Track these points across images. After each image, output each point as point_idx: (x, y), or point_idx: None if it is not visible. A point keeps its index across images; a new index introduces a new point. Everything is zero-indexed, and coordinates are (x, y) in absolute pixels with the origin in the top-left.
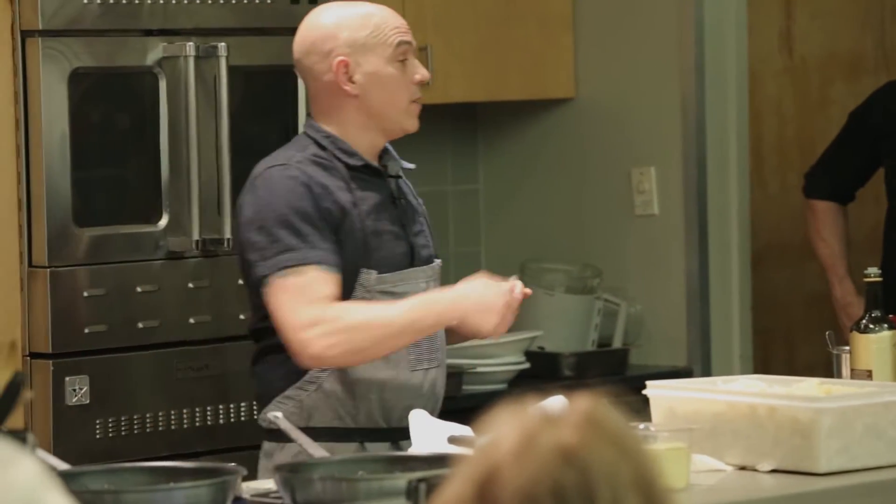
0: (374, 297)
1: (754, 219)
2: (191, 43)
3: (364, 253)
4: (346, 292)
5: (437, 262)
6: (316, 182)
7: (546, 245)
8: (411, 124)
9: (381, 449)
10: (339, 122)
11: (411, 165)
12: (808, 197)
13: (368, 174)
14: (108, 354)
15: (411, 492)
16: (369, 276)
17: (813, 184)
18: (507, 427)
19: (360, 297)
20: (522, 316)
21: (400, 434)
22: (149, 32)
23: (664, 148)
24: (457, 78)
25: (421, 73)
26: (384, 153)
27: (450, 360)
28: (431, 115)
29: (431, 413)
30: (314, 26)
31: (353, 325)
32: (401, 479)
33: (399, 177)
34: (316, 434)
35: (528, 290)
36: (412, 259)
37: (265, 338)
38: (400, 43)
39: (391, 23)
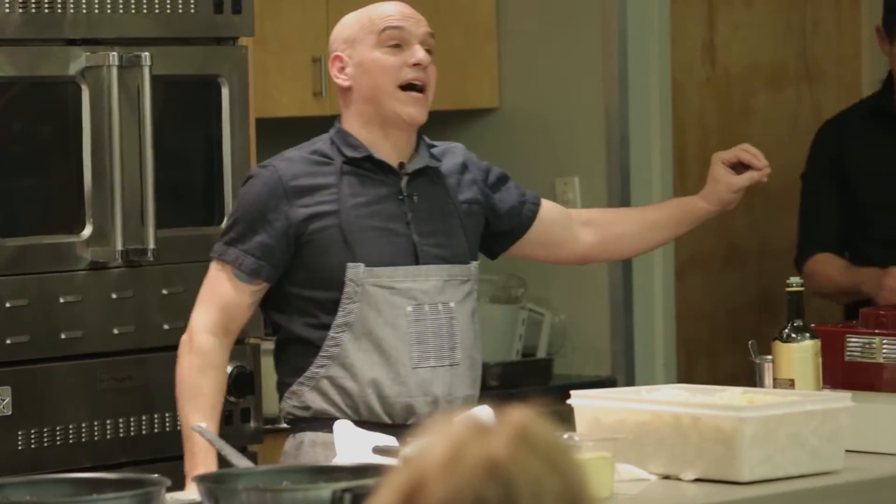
0: (368, 291)
1: None
2: (114, 52)
3: (347, 247)
4: (336, 286)
5: (473, 264)
6: (290, 181)
7: None
8: (405, 113)
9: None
10: (352, 117)
11: (437, 164)
12: (804, 262)
13: (372, 168)
14: (31, 365)
15: (336, 502)
16: (356, 270)
17: (805, 253)
18: (437, 438)
19: (351, 291)
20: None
21: (404, 430)
22: (71, 42)
23: (588, 158)
24: None
25: (416, 56)
26: (418, 150)
27: None
28: None
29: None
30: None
31: (180, 377)
32: (325, 490)
33: (409, 174)
34: (320, 425)
35: None
36: (416, 256)
37: (278, 332)
38: (385, 28)
39: (384, 13)
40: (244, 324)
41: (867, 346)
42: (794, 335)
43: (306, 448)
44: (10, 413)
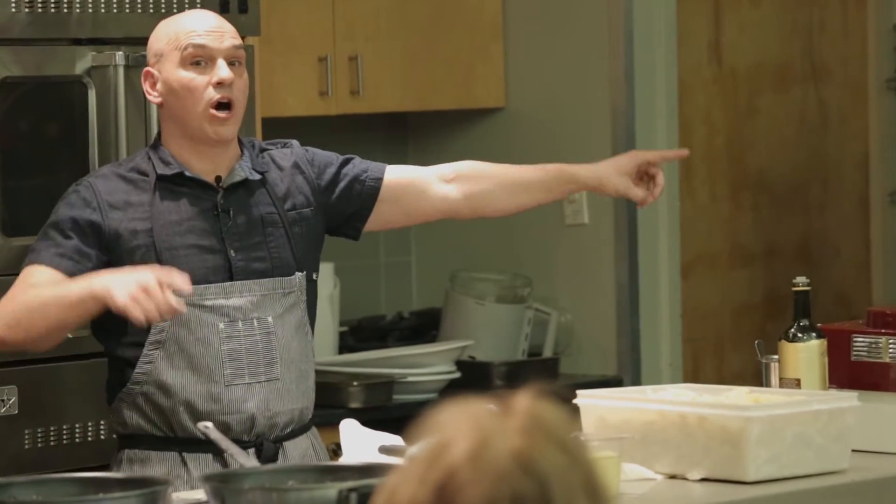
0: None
1: (683, 228)
2: (120, 52)
3: (159, 266)
4: None
5: (298, 275)
6: (105, 196)
7: (477, 254)
8: (213, 131)
9: (203, 461)
10: (167, 132)
11: (257, 176)
12: None
13: (186, 184)
14: (37, 364)
15: (342, 501)
16: None
17: None
18: (456, 428)
19: None
20: (453, 325)
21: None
22: (77, 41)
23: (594, 157)
24: (387, 88)
25: (219, 74)
26: (241, 160)
27: (380, 370)
28: (362, 124)
29: (269, 430)
30: None
31: (8, 297)
32: (331, 489)
33: (226, 188)
34: (136, 441)
35: (180, 289)
36: (231, 273)
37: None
38: (187, 46)
39: (187, 27)
40: None
41: (873, 345)
42: (800, 335)
43: (124, 466)
44: (16, 412)
